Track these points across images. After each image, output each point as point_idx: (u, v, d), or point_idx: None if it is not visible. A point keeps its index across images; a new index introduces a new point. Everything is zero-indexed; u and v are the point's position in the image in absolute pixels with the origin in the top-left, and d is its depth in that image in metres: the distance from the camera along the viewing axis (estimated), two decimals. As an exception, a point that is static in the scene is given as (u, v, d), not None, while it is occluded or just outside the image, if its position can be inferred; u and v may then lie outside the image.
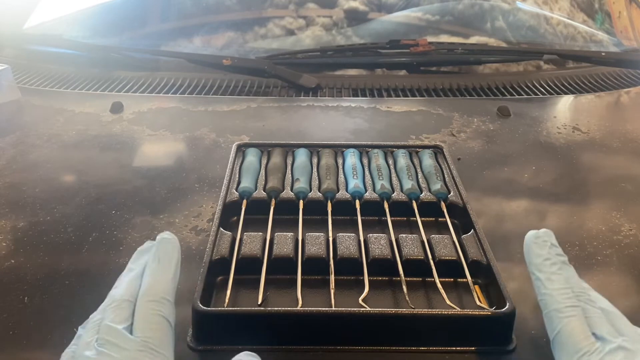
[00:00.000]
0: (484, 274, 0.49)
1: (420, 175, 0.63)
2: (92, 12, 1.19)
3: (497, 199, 0.65)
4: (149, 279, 0.40)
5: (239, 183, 0.61)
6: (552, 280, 0.40)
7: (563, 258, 0.42)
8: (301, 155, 0.66)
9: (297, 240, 0.52)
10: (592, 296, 0.41)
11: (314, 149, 0.68)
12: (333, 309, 0.45)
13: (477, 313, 0.45)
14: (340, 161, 0.66)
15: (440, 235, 0.53)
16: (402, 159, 0.65)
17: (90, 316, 0.41)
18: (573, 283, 0.40)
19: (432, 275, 0.49)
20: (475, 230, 0.54)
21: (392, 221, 0.56)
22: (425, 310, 0.46)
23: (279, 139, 0.75)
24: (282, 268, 0.50)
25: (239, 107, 0.89)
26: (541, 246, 0.42)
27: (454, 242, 0.52)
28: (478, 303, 0.46)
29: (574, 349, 0.36)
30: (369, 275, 0.48)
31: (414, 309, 0.45)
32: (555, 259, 0.42)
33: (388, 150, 0.69)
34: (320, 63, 1.04)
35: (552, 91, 0.99)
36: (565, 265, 0.42)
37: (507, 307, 0.44)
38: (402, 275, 0.48)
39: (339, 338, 0.44)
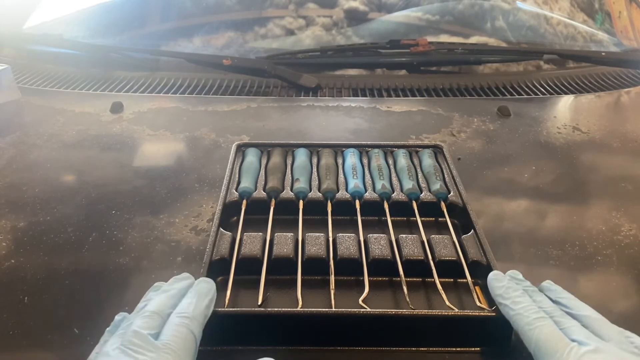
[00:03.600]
0: (484, 274, 0.49)
1: (420, 175, 0.63)
2: (92, 12, 1.19)
3: (497, 199, 0.65)
4: (186, 301, 0.42)
5: (238, 183, 0.61)
6: (516, 302, 0.42)
7: (531, 288, 0.45)
8: (301, 155, 0.66)
9: (297, 240, 0.52)
10: (573, 305, 0.42)
11: (314, 149, 0.68)
12: (333, 309, 0.45)
13: (477, 314, 0.45)
14: (340, 161, 0.66)
15: (440, 236, 0.53)
16: (403, 159, 0.65)
17: (116, 317, 0.42)
18: (542, 303, 0.43)
19: (432, 276, 0.49)
20: (475, 230, 0.54)
21: (392, 221, 0.56)
22: (425, 311, 0.46)
23: (279, 139, 0.75)
24: (282, 268, 0.50)
25: (239, 107, 0.89)
26: (500, 279, 0.45)
27: (454, 242, 0.52)
28: (478, 304, 0.46)
29: (552, 350, 0.38)
30: (369, 276, 0.48)
31: (414, 309, 0.45)
32: (516, 287, 0.44)
33: (388, 150, 0.69)
34: (320, 63, 1.04)
35: (552, 91, 0.99)
36: (534, 292, 0.44)
37: (507, 307, 0.44)
38: (402, 275, 0.48)
39: (339, 338, 0.45)
